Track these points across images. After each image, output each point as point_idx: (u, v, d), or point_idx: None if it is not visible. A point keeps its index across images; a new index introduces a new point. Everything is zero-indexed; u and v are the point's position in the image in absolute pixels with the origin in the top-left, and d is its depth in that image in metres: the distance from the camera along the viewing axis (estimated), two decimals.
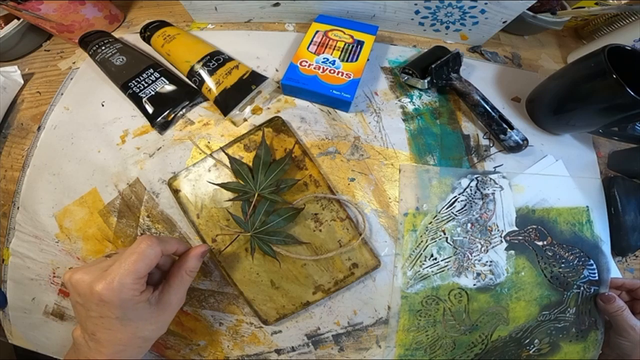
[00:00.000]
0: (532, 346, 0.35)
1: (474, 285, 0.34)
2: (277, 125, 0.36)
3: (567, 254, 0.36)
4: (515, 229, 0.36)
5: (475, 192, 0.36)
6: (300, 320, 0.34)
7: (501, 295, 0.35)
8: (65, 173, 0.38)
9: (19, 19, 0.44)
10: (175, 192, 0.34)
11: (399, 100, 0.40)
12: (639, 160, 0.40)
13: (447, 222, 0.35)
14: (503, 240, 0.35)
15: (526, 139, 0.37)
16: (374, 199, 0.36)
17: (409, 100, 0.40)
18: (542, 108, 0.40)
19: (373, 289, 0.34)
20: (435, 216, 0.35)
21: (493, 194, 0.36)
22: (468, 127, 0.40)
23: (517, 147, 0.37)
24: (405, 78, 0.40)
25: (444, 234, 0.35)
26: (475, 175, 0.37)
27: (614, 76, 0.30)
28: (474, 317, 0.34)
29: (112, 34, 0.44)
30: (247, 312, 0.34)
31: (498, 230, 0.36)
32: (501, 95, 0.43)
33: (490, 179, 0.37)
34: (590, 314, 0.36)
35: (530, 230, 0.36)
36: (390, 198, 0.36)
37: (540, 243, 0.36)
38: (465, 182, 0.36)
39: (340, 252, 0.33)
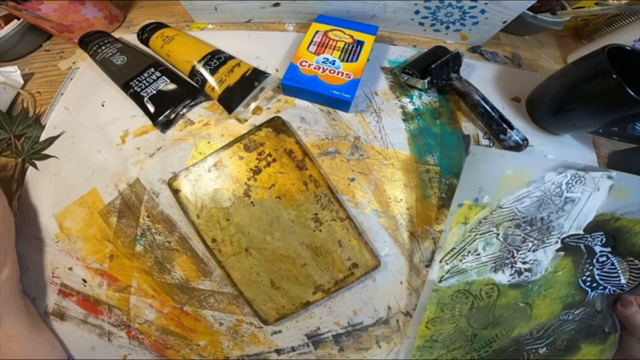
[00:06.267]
0: (553, 346, 0.33)
1: (508, 281, 0.32)
2: (277, 125, 0.36)
3: (620, 263, 0.33)
4: (581, 233, 0.32)
5: (558, 189, 0.31)
6: (300, 320, 0.34)
7: (530, 292, 0.32)
8: (65, 173, 0.38)
9: (19, 19, 0.44)
10: (175, 192, 0.34)
11: (399, 100, 0.40)
12: (639, 160, 0.40)
13: (506, 218, 0.31)
14: (559, 241, 0.32)
15: (526, 139, 0.37)
16: (374, 199, 0.36)
17: (409, 100, 0.40)
18: (542, 108, 0.40)
19: (373, 289, 0.34)
20: (494, 210, 0.31)
21: (581, 194, 0.31)
22: (468, 127, 0.40)
23: (517, 147, 0.37)
24: (405, 78, 0.40)
25: (497, 229, 0.31)
26: (569, 170, 0.31)
27: (614, 76, 0.30)
28: (498, 313, 0.33)
29: (112, 34, 0.44)
30: (247, 312, 0.34)
31: (560, 232, 0.31)
32: (501, 95, 0.43)
33: (592, 177, 0.31)
34: (613, 316, 0.34)
35: (597, 236, 0.32)
36: (390, 198, 0.36)
37: (599, 248, 0.32)
38: (550, 176, 0.31)
39: (339, 252, 0.33)
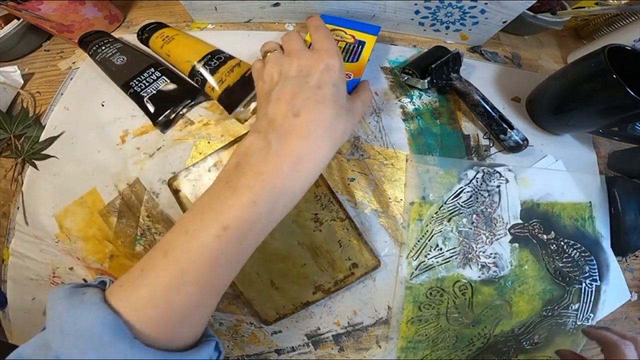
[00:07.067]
0: (531, 341, 0.35)
1: (479, 277, 0.34)
2: None
3: (570, 249, 0.36)
4: (520, 221, 0.36)
5: (481, 184, 0.36)
6: (300, 320, 0.34)
7: (505, 288, 0.35)
8: (65, 173, 0.38)
9: (19, 19, 0.44)
10: (175, 192, 0.34)
11: (399, 100, 0.40)
12: (639, 160, 0.40)
13: (453, 212, 0.35)
14: (507, 232, 0.36)
15: (526, 139, 0.37)
16: (374, 199, 0.36)
17: (409, 100, 0.40)
18: (542, 108, 0.40)
19: (373, 289, 0.34)
20: (441, 206, 0.35)
21: (499, 186, 0.37)
22: (468, 127, 0.40)
23: (517, 147, 0.37)
24: (405, 78, 0.40)
25: (450, 224, 0.35)
26: (482, 167, 0.37)
27: (614, 76, 0.30)
28: (477, 311, 0.34)
29: (112, 34, 0.44)
30: (247, 312, 0.34)
31: (503, 223, 0.36)
32: (501, 95, 0.43)
33: (496, 171, 0.37)
34: (591, 310, 0.36)
35: (535, 223, 0.36)
36: (390, 198, 0.36)
37: (544, 237, 0.36)
38: (471, 173, 0.37)
39: (339, 252, 0.33)
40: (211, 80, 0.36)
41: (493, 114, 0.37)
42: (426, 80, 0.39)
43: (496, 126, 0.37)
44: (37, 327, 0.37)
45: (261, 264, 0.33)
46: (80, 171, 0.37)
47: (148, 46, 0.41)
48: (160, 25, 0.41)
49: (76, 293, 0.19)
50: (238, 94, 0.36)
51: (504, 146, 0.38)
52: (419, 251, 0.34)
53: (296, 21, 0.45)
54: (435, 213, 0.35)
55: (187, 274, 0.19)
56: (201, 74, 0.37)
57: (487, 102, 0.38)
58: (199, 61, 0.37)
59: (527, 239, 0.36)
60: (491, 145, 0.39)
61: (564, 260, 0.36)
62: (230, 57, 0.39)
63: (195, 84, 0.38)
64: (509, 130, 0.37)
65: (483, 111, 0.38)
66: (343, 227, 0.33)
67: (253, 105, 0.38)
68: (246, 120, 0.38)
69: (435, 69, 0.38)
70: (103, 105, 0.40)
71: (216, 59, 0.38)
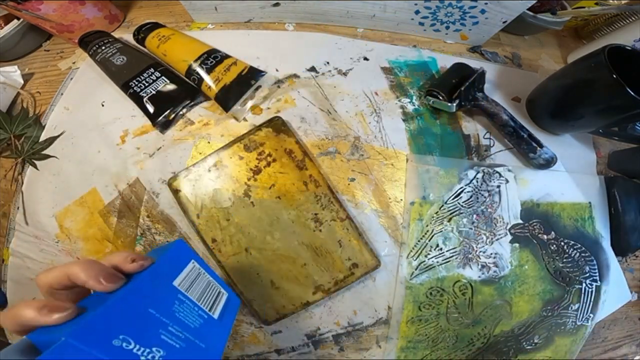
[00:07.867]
0: (531, 341, 0.35)
1: (479, 277, 0.34)
2: (277, 125, 0.36)
3: (570, 249, 0.36)
4: (520, 222, 0.36)
5: (482, 184, 0.36)
6: (300, 320, 0.34)
7: (505, 288, 0.35)
8: (65, 173, 0.38)
9: (19, 19, 0.44)
10: (175, 192, 0.34)
11: (399, 101, 0.40)
12: (639, 160, 0.40)
13: (453, 212, 0.35)
14: (508, 232, 0.36)
15: (555, 156, 0.36)
16: (374, 199, 0.36)
17: (409, 100, 0.40)
18: (542, 108, 0.40)
19: (373, 289, 0.34)
20: (442, 206, 0.35)
21: (499, 186, 0.37)
22: (468, 126, 0.40)
23: (546, 165, 0.36)
24: (431, 101, 0.38)
25: (450, 224, 0.35)
26: (482, 168, 0.37)
27: (614, 76, 0.30)
28: (477, 311, 0.34)
29: (112, 34, 0.44)
30: (247, 312, 0.34)
31: (503, 223, 0.36)
32: (501, 95, 0.43)
33: (496, 171, 0.37)
34: (591, 310, 0.36)
35: (535, 223, 0.36)
36: (390, 198, 0.36)
37: (544, 237, 0.36)
38: (471, 173, 0.37)
39: (339, 252, 0.33)
40: (207, 79, 0.36)
41: (522, 133, 0.36)
42: (454, 104, 0.37)
43: (525, 145, 0.36)
44: None
45: (261, 264, 0.33)
46: (80, 171, 0.37)
47: (144, 46, 0.41)
48: (156, 25, 0.41)
49: None
50: (235, 92, 0.36)
51: (533, 164, 0.37)
52: (419, 251, 0.34)
53: (296, 21, 0.45)
54: (436, 213, 0.35)
55: None
56: (197, 73, 0.37)
57: (516, 121, 0.37)
58: (196, 60, 0.37)
59: (527, 239, 0.36)
60: (492, 145, 0.39)
61: (564, 260, 0.36)
62: (227, 56, 0.39)
63: (192, 83, 0.38)
64: (538, 148, 0.36)
65: (512, 131, 0.37)
66: (343, 227, 0.33)
67: (250, 103, 0.38)
68: (244, 119, 0.38)
69: (464, 91, 0.36)
70: (103, 105, 0.40)
71: (212, 58, 0.38)
